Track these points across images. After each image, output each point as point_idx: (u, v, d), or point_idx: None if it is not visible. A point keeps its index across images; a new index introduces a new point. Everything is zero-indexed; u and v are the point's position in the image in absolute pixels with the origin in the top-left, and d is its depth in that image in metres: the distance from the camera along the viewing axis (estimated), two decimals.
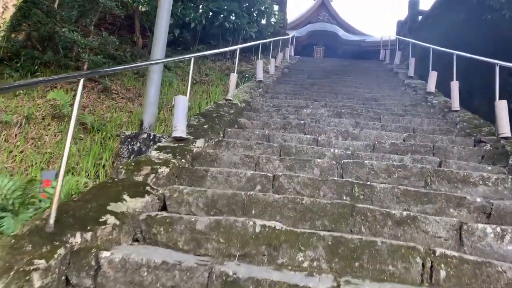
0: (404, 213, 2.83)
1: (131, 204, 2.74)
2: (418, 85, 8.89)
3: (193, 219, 2.58)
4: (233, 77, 6.37)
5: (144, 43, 11.30)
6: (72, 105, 7.54)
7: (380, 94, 8.05)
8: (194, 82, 9.35)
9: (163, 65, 8.83)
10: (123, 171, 3.25)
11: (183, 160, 3.68)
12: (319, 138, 4.69)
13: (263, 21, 13.06)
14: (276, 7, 13.80)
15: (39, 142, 5.60)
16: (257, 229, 2.49)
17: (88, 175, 4.75)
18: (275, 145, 4.33)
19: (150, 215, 2.65)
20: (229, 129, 4.91)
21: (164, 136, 4.35)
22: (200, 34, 11.39)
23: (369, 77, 10.53)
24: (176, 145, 4.01)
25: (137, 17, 11.33)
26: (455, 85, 6.46)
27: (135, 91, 8.19)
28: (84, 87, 8.04)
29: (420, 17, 13.95)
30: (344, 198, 3.27)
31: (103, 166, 4.95)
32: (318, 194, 3.30)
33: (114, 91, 7.90)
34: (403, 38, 12.31)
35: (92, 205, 2.58)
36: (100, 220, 2.44)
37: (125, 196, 2.80)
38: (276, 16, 13.33)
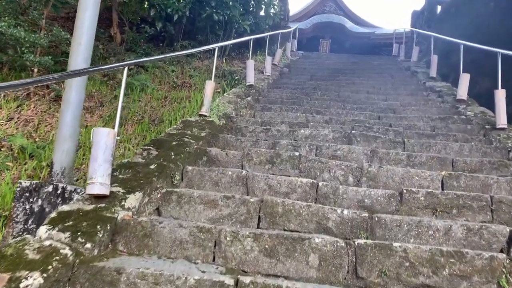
0: None
1: None
2: (443, 89, 7.31)
3: None
4: (209, 85, 4.85)
5: (122, 39, 9.88)
6: (6, 122, 6.10)
7: (399, 102, 6.49)
8: (174, 86, 7.85)
9: (138, 65, 7.27)
10: None
11: (88, 245, 2.20)
12: (320, 184, 3.18)
13: (262, 13, 11.49)
14: None
15: None
16: None
17: None
18: (252, 200, 2.83)
19: None
20: (190, 167, 3.39)
21: (80, 189, 2.87)
22: (186, 28, 9.87)
23: (383, 77, 8.93)
24: (91, 207, 2.53)
25: (115, 8, 9.83)
26: (501, 95, 4.90)
27: (99, 98, 6.72)
28: (33, 94, 6.70)
29: (439, 7, 12.31)
30: None
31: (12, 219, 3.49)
32: None
33: None
34: (422, 31, 10.65)
35: None
36: None
37: None
38: (276, 7, 11.74)
